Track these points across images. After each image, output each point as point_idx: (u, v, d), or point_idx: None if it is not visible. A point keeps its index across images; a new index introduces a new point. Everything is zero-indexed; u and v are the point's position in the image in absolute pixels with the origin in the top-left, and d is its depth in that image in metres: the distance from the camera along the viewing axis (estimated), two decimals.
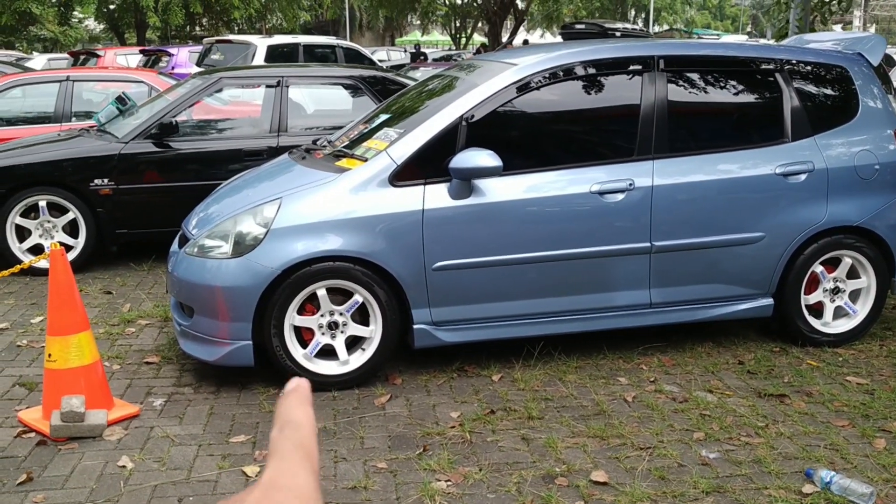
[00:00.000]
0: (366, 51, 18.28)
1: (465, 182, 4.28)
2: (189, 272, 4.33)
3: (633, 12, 57.04)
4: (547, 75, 4.54)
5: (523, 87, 4.48)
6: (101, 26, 41.49)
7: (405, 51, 31.45)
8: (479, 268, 4.35)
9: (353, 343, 4.38)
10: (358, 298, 4.27)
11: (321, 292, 4.23)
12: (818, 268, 4.83)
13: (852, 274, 4.93)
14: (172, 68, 17.04)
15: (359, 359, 4.34)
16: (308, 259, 4.16)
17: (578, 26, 13.24)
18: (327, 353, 4.34)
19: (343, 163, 4.49)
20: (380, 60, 22.10)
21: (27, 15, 32.27)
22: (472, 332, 4.45)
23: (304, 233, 4.18)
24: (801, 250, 4.76)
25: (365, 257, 4.21)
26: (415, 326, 4.35)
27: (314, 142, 5.36)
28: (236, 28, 36.87)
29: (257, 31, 37.37)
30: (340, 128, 5.77)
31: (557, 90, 4.61)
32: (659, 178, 4.52)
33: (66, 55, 21.78)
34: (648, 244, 4.52)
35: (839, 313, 4.97)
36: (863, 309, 4.95)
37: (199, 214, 4.75)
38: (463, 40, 39.32)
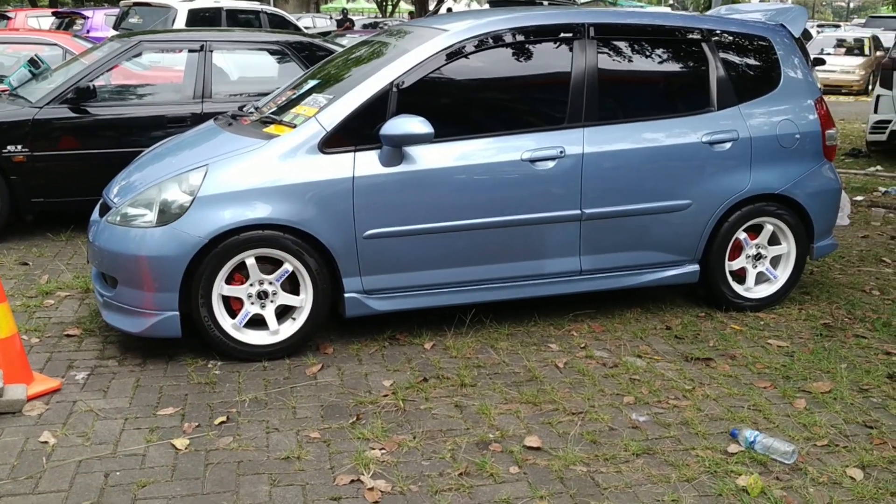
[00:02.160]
0: (291, 17, 17.92)
1: (396, 149, 4.23)
2: (112, 242, 4.19)
3: None
4: (478, 41, 4.50)
5: (454, 53, 4.44)
6: None
7: (331, 17, 31.00)
8: (410, 236, 4.31)
9: (284, 312, 4.31)
10: (288, 267, 4.20)
11: (250, 261, 4.14)
12: (741, 234, 4.94)
13: (773, 240, 5.06)
14: (87, 31, 16.43)
15: (289, 328, 4.27)
16: (236, 227, 4.07)
17: None
18: (257, 322, 4.26)
19: (271, 129, 4.39)
20: (304, 27, 21.70)
21: None
22: (403, 300, 4.43)
23: (232, 200, 4.08)
24: (725, 217, 4.86)
25: (295, 225, 4.14)
26: (346, 295, 4.31)
27: (240, 108, 5.23)
28: None
29: None
30: (267, 94, 5.65)
31: (489, 57, 4.57)
32: (589, 146, 4.54)
33: None
34: (579, 212, 4.55)
35: (761, 279, 5.10)
36: (783, 274, 5.09)
37: (121, 182, 4.59)
38: (389, 8, 38.89)
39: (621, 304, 5.03)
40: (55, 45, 8.66)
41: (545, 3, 12.66)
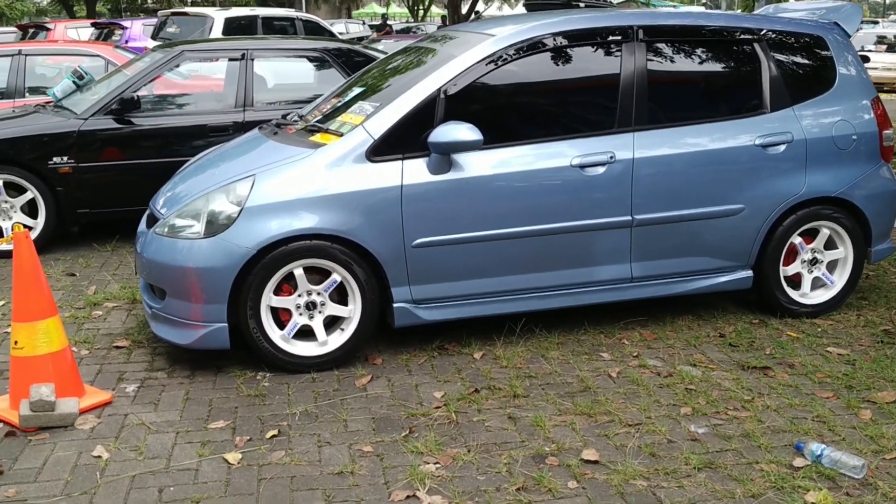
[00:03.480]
0: (325, 23, 17.99)
1: (444, 156, 4.17)
2: (159, 253, 4.18)
3: None
4: (525, 46, 4.43)
5: (501, 58, 4.37)
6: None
7: (363, 23, 31.10)
8: (459, 244, 4.25)
9: (332, 323, 4.27)
10: (336, 278, 4.16)
11: (298, 272, 4.11)
12: (797, 239, 4.82)
13: (829, 244, 4.93)
14: (126, 42, 16.61)
15: (338, 339, 4.23)
16: (284, 238, 4.03)
17: None
18: (305, 333, 4.22)
19: (318, 138, 4.35)
20: (338, 33, 21.78)
21: None
22: (452, 309, 4.36)
23: (280, 211, 4.05)
24: (779, 222, 4.74)
25: (343, 235, 4.09)
26: (395, 305, 4.25)
27: (284, 116, 5.21)
28: (189, 0, 36.09)
29: (211, 3, 36.58)
30: (308, 102, 5.63)
31: (536, 61, 4.50)
32: (639, 151, 4.45)
33: (13, 29, 21.12)
34: (629, 217, 4.46)
35: (817, 284, 4.97)
36: (840, 279, 4.95)
37: (168, 193, 4.58)
38: (421, 12, 38.92)
39: (672, 312, 4.93)
40: (97, 56, 8.72)
41: (581, 4, 12.57)
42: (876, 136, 4.89)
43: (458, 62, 4.32)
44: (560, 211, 4.36)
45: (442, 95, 4.23)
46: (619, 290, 4.59)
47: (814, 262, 4.92)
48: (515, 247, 4.33)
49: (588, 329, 4.71)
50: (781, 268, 4.83)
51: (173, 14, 15.84)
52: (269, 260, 4.04)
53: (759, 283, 4.82)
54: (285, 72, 7.29)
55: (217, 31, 14.54)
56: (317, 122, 4.59)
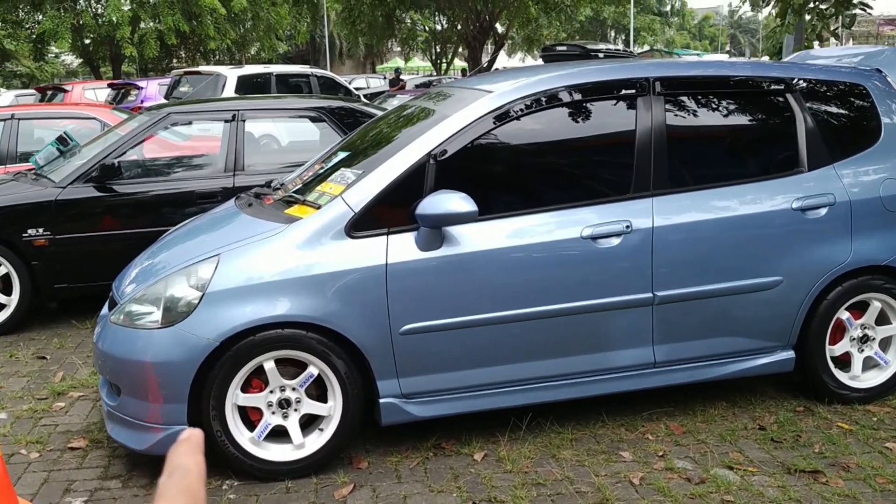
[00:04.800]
0: (341, 79, 17.73)
1: (434, 230, 3.65)
2: (114, 345, 3.68)
3: (612, 33, 57.00)
4: (528, 103, 3.93)
5: (501, 116, 3.87)
6: (79, 60, 40.88)
7: (384, 77, 31.00)
8: (454, 329, 3.71)
9: (309, 422, 3.73)
10: (313, 371, 3.63)
11: (269, 365, 3.58)
12: (844, 314, 4.22)
13: (882, 319, 4.32)
14: (142, 101, 16.47)
15: (316, 441, 3.68)
16: (252, 327, 3.52)
17: (559, 48, 12.74)
18: (279, 434, 3.69)
19: (293, 210, 3.86)
20: (358, 88, 21.62)
21: (1, 51, 31.66)
22: (448, 404, 3.81)
23: (247, 296, 3.54)
24: (823, 295, 4.15)
25: (319, 322, 3.57)
26: (381, 400, 3.71)
27: (267, 184, 4.73)
28: (213, 59, 36.33)
29: (238, 61, 36.80)
30: (301, 166, 5.16)
31: (540, 120, 4.00)
32: (660, 219, 3.90)
33: (33, 91, 21.15)
34: (650, 295, 3.90)
35: (868, 364, 4.35)
36: (895, 359, 4.34)
37: (131, 273, 4.10)
38: (444, 66, 38.92)
39: (703, 398, 4.33)
40: (93, 118, 8.37)
41: (601, 55, 12.16)
42: None
43: (450, 123, 3.82)
44: (570, 289, 3.81)
45: (432, 161, 3.73)
46: (640, 377, 4.01)
47: (864, 339, 4.31)
48: (519, 331, 3.78)
49: (606, 421, 4.12)
50: (828, 347, 4.22)
51: (186, 73, 15.65)
52: (234, 352, 3.53)
53: (802, 365, 4.22)
54: (281, 133, 6.86)
55: (230, 90, 14.29)
56: (295, 191, 4.10)
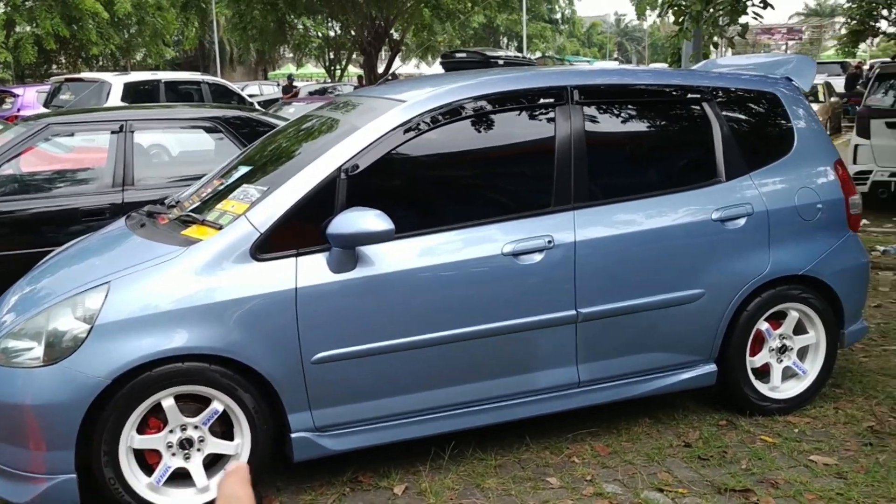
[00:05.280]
0: (234, 86, 17.17)
1: (348, 251, 3.40)
2: None
3: (505, 40, 57.56)
4: (443, 113, 3.71)
5: (415, 128, 3.65)
6: None
7: (278, 84, 30.33)
8: (371, 356, 3.46)
9: (215, 462, 3.41)
10: (217, 406, 3.32)
11: (168, 402, 3.26)
12: (763, 325, 4.17)
13: (799, 329, 4.30)
14: (19, 110, 15.58)
15: None
16: (148, 361, 3.19)
17: (459, 55, 12.63)
18: (181, 476, 3.36)
19: (191, 231, 3.54)
20: (251, 95, 20.99)
21: None
22: (366, 435, 3.56)
23: (142, 327, 3.20)
24: (743, 306, 4.09)
25: (223, 354, 3.27)
26: (293, 435, 3.43)
27: (161, 201, 4.37)
28: (96, 65, 34.87)
29: (123, 68, 35.38)
30: (199, 180, 4.81)
31: (457, 131, 3.78)
32: (582, 232, 3.76)
33: None
34: (574, 312, 3.75)
35: (787, 374, 4.32)
36: (813, 368, 4.32)
37: (9, 302, 3.69)
38: (338, 72, 38.41)
39: (627, 416, 4.20)
40: None
41: (500, 62, 12.11)
42: (842, 204, 4.31)
43: (361, 135, 3.57)
44: (491, 309, 3.62)
45: (343, 176, 3.47)
46: (565, 397, 3.85)
47: (783, 349, 4.27)
48: (439, 355, 3.56)
49: (530, 445, 3.94)
50: (748, 359, 4.17)
51: (67, 80, 14.85)
52: (128, 390, 3.19)
53: (723, 378, 4.14)
54: (172, 145, 6.45)
55: (115, 98, 13.62)
56: (193, 210, 3.77)
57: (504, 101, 3.86)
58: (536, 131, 3.90)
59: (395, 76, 27.23)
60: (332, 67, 38.74)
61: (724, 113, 4.18)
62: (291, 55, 50.34)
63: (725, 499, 3.45)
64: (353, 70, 41.62)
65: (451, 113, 3.73)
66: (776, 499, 3.44)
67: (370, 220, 3.30)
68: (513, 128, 3.93)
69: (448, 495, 3.52)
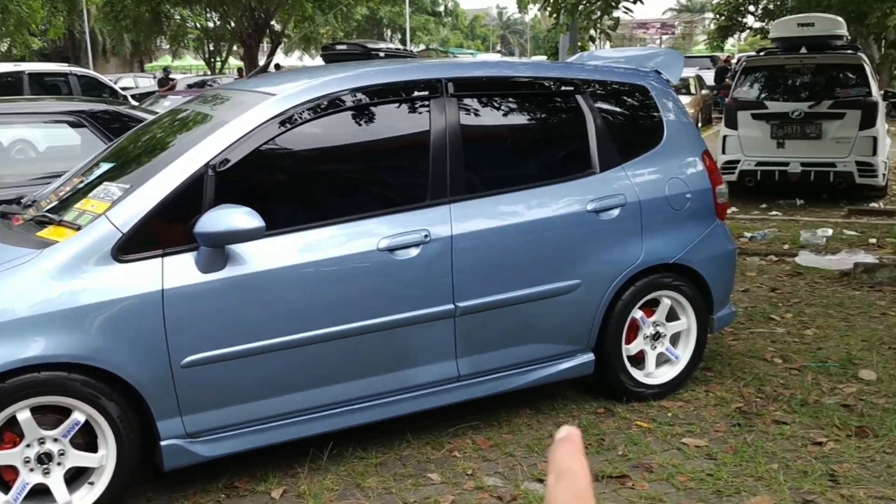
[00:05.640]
0: (105, 78, 16.48)
1: (217, 250, 3.27)
2: None
3: (388, 32, 57.43)
4: (315, 106, 3.62)
5: (286, 122, 3.54)
6: None
7: (154, 77, 29.31)
8: (243, 357, 3.35)
9: (78, 475, 3.24)
10: (79, 417, 3.14)
11: (23, 415, 3.06)
12: (637, 313, 4.26)
13: (671, 316, 4.41)
14: None
15: (86, 496, 3.21)
16: (1, 373, 2.99)
17: (340, 47, 12.44)
18: (41, 493, 3.17)
19: (47, 232, 3.34)
20: (125, 88, 20.24)
21: None
22: (240, 439, 3.44)
23: None
24: (619, 295, 4.17)
25: (84, 362, 3.10)
26: (162, 443, 3.28)
27: (16, 200, 4.12)
28: None
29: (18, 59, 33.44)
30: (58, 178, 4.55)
31: (329, 124, 3.70)
32: (458, 226, 3.74)
33: None
34: (452, 306, 3.73)
35: (660, 360, 4.43)
36: (685, 353, 4.44)
37: None
38: (218, 64, 37.42)
39: (508, 408, 4.22)
40: None
41: (381, 54, 12.02)
42: (710, 193, 4.45)
43: (229, 129, 3.45)
44: (368, 305, 3.56)
45: (210, 172, 3.34)
46: (445, 392, 3.83)
47: (656, 336, 4.38)
48: (315, 354, 3.48)
49: (412, 441, 3.91)
50: (624, 346, 4.26)
51: None
52: None
53: (601, 367, 4.22)
54: (35, 140, 6.11)
55: None
56: (49, 210, 3.56)
57: (378, 93, 3.80)
58: (411, 124, 3.87)
59: (278, 67, 26.74)
60: (212, 59, 37.73)
61: (597, 105, 4.24)
62: (168, 46, 48.74)
63: (602, 485, 3.50)
64: (235, 62, 40.69)
65: (323, 106, 3.64)
66: (650, 482, 3.52)
67: (239, 217, 3.19)
68: (387, 121, 3.88)
69: (327, 497, 3.45)
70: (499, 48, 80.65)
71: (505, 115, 4.11)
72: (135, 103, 14.29)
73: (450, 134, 3.79)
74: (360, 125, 3.79)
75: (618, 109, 4.39)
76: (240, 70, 28.94)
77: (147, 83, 27.29)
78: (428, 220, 3.70)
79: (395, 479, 3.59)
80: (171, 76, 25.81)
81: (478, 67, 4.33)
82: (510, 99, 4.12)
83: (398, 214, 3.68)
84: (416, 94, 3.83)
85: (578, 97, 4.20)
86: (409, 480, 3.58)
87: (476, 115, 3.96)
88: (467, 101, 3.93)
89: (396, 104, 3.85)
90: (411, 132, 3.87)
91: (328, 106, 3.65)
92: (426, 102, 3.82)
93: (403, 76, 3.89)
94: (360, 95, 3.74)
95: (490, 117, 4.06)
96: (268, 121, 3.49)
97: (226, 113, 3.66)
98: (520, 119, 4.19)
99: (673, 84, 4.65)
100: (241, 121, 3.48)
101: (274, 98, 3.59)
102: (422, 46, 55.24)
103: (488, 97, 4.04)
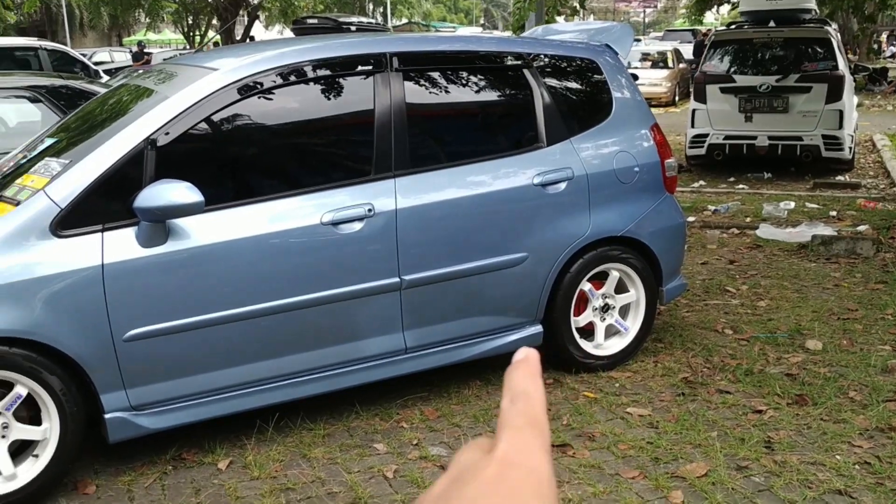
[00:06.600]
0: (76, 53, 16.31)
1: (157, 224, 3.29)
2: None
3: (370, 6, 56.97)
4: (256, 82, 3.63)
5: (227, 97, 3.55)
6: None
7: (130, 51, 28.99)
8: (186, 331, 3.39)
9: (22, 449, 3.27)
10: (20, 391, 3.17)
11: None
12: (586, 285, 4.32)
13: (620, 288, 4.47)
14: None
15: (31, 469, 3.24)
16: None
17: (311, 21, 12.33)
18: None
19: None
20: (100, 63, 20.03)
21: None
22: (186, 412, 3.48)
23: None
24: (566, 268, 4.22)
25: (25, 336, 3.12)
26: (106, 416, 3.32)
27: None
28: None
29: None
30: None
31: (271, 100, 3.72)
32: (403, 200, 3.77)
33: None
34: (397, 279, 3.77)
35: (610, 332, 4.50)
36: (634, 325, 4.51)
37: None
38: (197, 38, 37.05)
39: (458, 380, 4.28)
40: None
41: (353, 28, 11.94)
42: (658, 167, 4.50)
43: (170, 104, 3.46)
44: (312, 279, 3.60)
45: (150, 148, 3.35)
46: (392, 364, 3.88)
47: (605, 308, 4.44)
48: (258, 327, 3.52)
49: (360, 413, 3.96)
50: (572, 318, 4.31)
51: None
52: None
53: (550, 338, 4.28)
54: (10, 116, 6.08)
55: None
56: None
57: (321, 67, 3.81)
58: (356, 99, 3.88)
59: (252, 40, 26.49)
60: (191, 33, 37.37)
61: (544, 79, 4.27)
62: (147, 20, 48.16)
63: None
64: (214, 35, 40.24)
65: (266, 82, 3.65)
66: (591, 451, 3.59)
67: (179, 192, 3.21)
68: (332, 96, 3.89)
69: (273, 467, 3.50)
70: (482, 22, 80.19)
71: (451, 89, 4.13)
72: (106, 78, 14.18)
73: (394, 108, 3.82)
74: (301, 100, 3.81)
75: (566, 83, 4.42)
76: (216, 44, 28.63)
77: (123, 57, 26.98)
78: (372, 194, 3.73)
79: (342, 450, 3.64)
80: (146, 50, 25.51)
81: (423, 42, 4.33)
82: (456, 73, 4.14)
83: (342, 189, 3.70)
84: (359, 68, 3.84)
85: (525, 71, 4.22)
86: (355, 451, 3.64)
87: (421, 89, 3.98)
88: (412, 75, 3.94)
89: (340, 78, 3.86)
90: (355, 106, 3.89)
91: (269, 81, 3.66)
92: (370, 77, 3.84)
93: (346, 50, 3.91)
94: (301, 70, 3.75)
95: (435, 92, 4.07)
96: (209, 95, 3.50)
97: (168, 88, 3.66)
98: (466, 93, 4.21)
99: (623, 58, 4.67)
100: (182, 96, 3.49)
101: (216, 73, 3.59)
102: (403, 20, 54.86)
103: (434, 71, 4.05)
